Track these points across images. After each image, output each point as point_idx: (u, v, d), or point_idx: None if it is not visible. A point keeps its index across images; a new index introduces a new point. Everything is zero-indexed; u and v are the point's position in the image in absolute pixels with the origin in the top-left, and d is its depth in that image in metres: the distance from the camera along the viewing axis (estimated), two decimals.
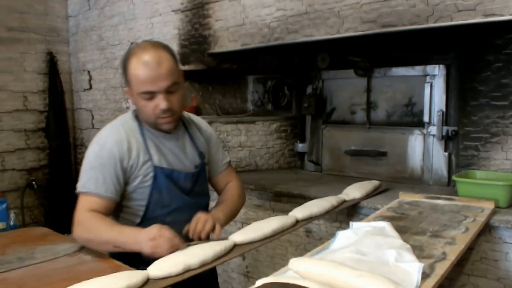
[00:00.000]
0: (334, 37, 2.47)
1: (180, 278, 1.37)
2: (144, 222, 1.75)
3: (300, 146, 3.51)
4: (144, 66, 1.65)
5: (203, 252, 1.48)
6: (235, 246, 1.63)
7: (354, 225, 1.68)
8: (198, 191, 1.91)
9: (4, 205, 4.14)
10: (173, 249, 1.49)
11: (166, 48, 1.75)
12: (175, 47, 3.50)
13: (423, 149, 2.87)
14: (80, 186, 1.72)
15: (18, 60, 4.54)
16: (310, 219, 2.00)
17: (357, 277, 1.13)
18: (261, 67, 3.50)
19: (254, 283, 1.16)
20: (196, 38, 3.29)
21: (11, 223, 4.22)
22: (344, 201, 2.31)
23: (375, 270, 1.20)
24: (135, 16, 3.90)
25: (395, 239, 1.51)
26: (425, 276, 1.25)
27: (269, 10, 2.75)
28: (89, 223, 1.66)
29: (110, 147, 1.72)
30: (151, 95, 1.68)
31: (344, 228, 1.85)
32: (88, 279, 1.30)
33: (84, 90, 4.71)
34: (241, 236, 1.68)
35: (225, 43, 3.03)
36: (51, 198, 4.70)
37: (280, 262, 2.79)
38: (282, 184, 2.90)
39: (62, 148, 4.80)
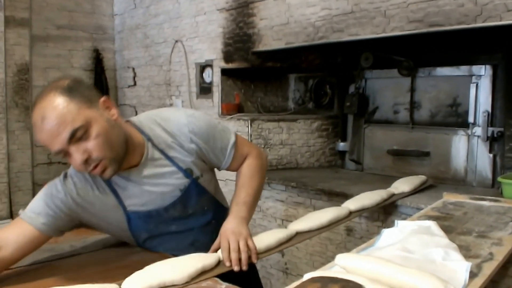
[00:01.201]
0: (380, 36, 2.47)
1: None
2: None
3: (341, 145, 3.52)
4: (35, 129, 1.38)
5: (267, 238, 1.56)
6: (296, 233, 1.69)
7: (400, 223, 1.68)
8: (196, 212, 1.64)
9: None
10: None
11: (57, 89, 1.37)
12: (219, 45, 3.56)
13: (467, 150, 2.83)
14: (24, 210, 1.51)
15: (66, 57, 4.70)
16: (362, 210, 2.06)
17: (405, 274, 1.15)
18: (304, 65, 3.52)
19: (292, 280, 1.18)
20: (240, 37, 3.34)
21: None
22: (393, 195, 2.33)
23: (422, 268, 1.21)
24: (180, 15, 3.98)
25: (442, 238, 1.51)
26: (472, 275, 1.25)
27: (314, 9, 2.78)
28: None
29: (67, 189, 1.51)
30: (62, 153, 1.38)
31: (385, 227, 1.86)
32: (141, 268, 1.31)
33: (129, 86, 4.83)
34: (301, 224, 1.74)
35: (269, 42, 3.07)
36: None
37: (319, 260, 2.81)
38: (324, 182, 2.92)
39: None
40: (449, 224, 1.81)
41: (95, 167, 1.40)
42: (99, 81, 4.85)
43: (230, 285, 1.29)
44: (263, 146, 3.31)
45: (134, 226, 1.58)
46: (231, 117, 3.43)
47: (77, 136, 1.34)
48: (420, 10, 2.31)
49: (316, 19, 2.77)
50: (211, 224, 1.65)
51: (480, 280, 1.25)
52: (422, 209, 2.19)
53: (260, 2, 3.13)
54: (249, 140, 3.26)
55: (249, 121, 3.29)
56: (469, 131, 2.80)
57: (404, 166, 3.16)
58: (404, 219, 2.02)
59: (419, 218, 1.90)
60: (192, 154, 1.60)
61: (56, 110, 1.33)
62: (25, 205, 1.54)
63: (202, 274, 1.32)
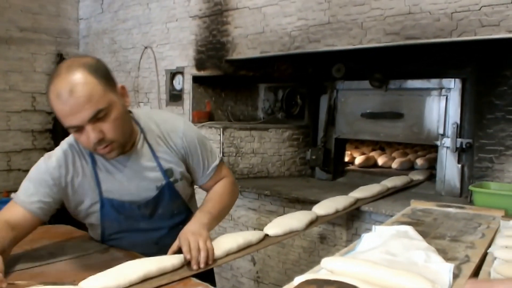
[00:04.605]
0: (356, 48, 2.51)
1: (221, 262, 1.48)
2: (107, 242, 1.72)
3: None
4: (57, 99, 1.36)
5: (236, 241, 1.59)
6: (265, 236, 1.74)
7: (378, 228, 1.71)
8: (164, 213, 1.69)
9: None
10: None
11: (86, 66, 1.40)
12: (191, 52, 3.55)
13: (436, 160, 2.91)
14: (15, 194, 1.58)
15: (29, 61, 4.59)
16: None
17: (393, 275, 1.16)
18: (276, 75, 3.54)
19: None
20: (213, 44, 3.33)
21: None
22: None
23: (407, 270, 1.23)
24: (150, 21, 3.95)
25: (420, 241, 1.54)
26: (454, 276, 1.28)
27: (291, 19, 2.81)
28: None
29: (51, 168, 1.55)
30: (76, 129, 1.41)
31: (359, 236, 1.88)
32: None
33: None
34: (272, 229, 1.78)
35: (244, 50, 3.07)
36: None
37: (292, 268, 2.81)
38: (297, 190, 2.94)
39: None
40: (422, 230, 1.84)
41: (105, 146, 1.46)
42: None
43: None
44: (234, 155, 3.30)
45: (106, 214, 1.62)
46: (203, 125, 3.41)
47: (99, 116, 1.39)
48: (397, 23, 2.37)
49: (292, 29, 2.80)
50: (178, 228, 1.62)
51: (462, 280, 1.28)
52: (393, 215, 2.24)
53: (235, 11, 3.13)
54: (221, 148, 3.25)
55: (221, 129, 3.28)
56: (438, 142, 2.88)
57: (371, 177, 3.22)
58: (377, 225, 2.04)
59: (393, 224, 1.94)
60: (178, 156, 1.68)
61: (85, 88, 1.36)
62: None
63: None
